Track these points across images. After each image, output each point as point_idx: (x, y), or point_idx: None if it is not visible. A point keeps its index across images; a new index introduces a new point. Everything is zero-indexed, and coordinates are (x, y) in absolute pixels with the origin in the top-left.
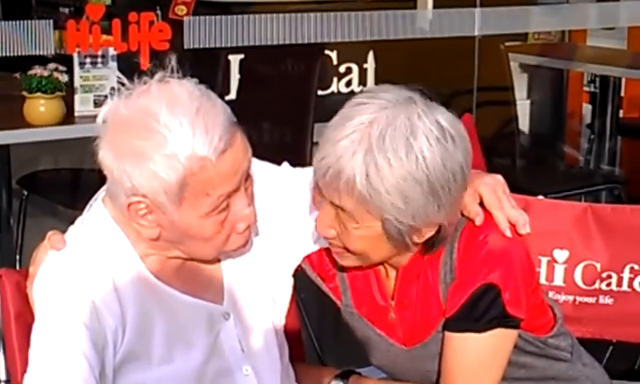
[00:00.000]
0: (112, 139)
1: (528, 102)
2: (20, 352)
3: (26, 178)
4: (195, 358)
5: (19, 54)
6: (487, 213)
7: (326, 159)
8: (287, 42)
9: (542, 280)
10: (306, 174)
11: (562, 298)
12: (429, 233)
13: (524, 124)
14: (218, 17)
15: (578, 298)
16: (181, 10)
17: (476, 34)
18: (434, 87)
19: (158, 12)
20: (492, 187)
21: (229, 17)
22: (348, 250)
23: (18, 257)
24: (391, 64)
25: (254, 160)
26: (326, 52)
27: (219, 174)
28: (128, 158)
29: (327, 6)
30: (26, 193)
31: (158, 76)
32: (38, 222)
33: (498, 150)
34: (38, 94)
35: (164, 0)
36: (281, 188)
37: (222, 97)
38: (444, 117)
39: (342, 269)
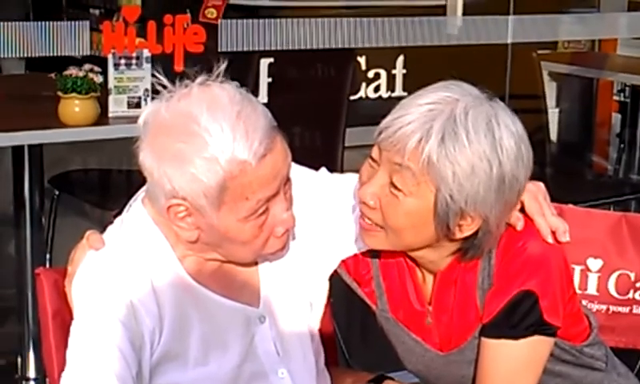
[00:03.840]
0: (153, 141)
1: (557, 110)
2: (57, 350)
3: (58, 178)
4: (230, 361)
5: (54, 54)
6: (527, 219)
7: (403, 118)
8: (319, 46)
9: (576, 289)
10: (343, 180)
11: (595, 306)
12: (469, 229)
13: (553, 132)
14: (251, 20)
15: (612, 308)
16: (211, 12)
17: (509, 41)
18: None
19: (188, 15)
20: (534, 194)
21: (262, 20)
22: (383, 227)
23: (48, 256)
24: (420, 70)
25: (293, 165)
26: None
27: (259, 178)
28: (168, 161)
29: (357, 11)
30: (57, 192)
31: (199, 79)
32: (68, 221)
33: None
34: (73, 94)
35: (194, 3)
36: (319, 193)
37: None
38: (521, 128)
39: (379, 273)
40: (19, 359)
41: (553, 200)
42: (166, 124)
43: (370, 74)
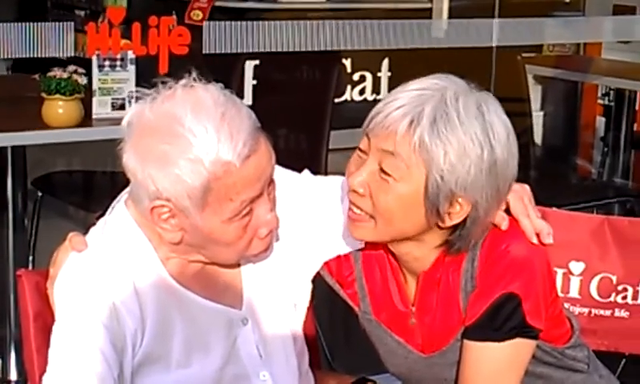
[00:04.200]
0: (137, 143)
1: (542, 113)
2: (38, 352)
3: (41, 179)
4: (212, 363)
5: (38, 55)
6: (511, 220)
7: (393, 102)
8: (304, 49)
9: (558, 292)
10: (327, 182)
11: (577, 309)
12: (459, 216)
13: (537, 136)
14: (236, 22)
15: (594, 311)
16: (196, 14)
17: (494, 44)
18: None
19: (174, 16)
20: (519, 195)
21: (248, 23)
22: (372, 215)
23: (31, 257)
24: (405, 73)
25: (276, 167)
26: None
27: (243, 180)
28: (152, 162)
29: (342, 13)
30: (40, 194)
31: (183, 81)
32: (51, 223)
33: None
34: (57, 95)
35: (180, 4)
36: (302, 195)
37: None
38: (508, 120)
39: (362, 275)
40: (0, 362)
41: (537, 203)
42: (150, 125)
43: (356, 77)
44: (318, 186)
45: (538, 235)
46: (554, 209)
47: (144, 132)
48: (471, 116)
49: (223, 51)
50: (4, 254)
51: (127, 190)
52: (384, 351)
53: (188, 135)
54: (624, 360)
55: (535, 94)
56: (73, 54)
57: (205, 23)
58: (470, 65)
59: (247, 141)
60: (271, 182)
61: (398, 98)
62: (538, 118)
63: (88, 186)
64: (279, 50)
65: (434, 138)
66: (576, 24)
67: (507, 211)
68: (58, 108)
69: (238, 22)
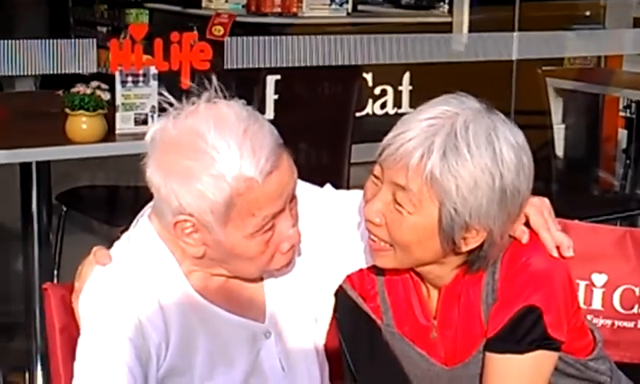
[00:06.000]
0: (160, 158)
1: (563, 126)
2: (64, 365)
3: (65, 194)
4: (236, 376)
5: (61, 72)
6: (531, 233)
7: (404, 135)
8: (325, 63)
9: (581, 304)
10: (348, 196)
11: (600, 321)
12: (474, 241)
13: (559, 148)
14: (258, 37)
15: (617, 322)
16: (218, 30)
17: (514, 57)
18: None
19: (195, 32)
20: (539, 208)
21: (269, 38)
22: (391, 244)
23: (56, 271)
24: (426, 87)
25: (298, 181)
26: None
27: (265, 195)
28: (176, 178)
29: (363, 28)
30: (65, 209)
31: (205, 96)
32: (76, 237)
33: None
34: (81, 111)
35: (201, 20)
36: (324, 209)
37: None
38: (521, 138)
39: (384, 289)
40: (27, 375)
41: (559, 216)
42: (174, 141)
43: (377, 91)
44: (339, 200)
45: (558, 248)
46: (576, 221)
47: (167, 147)
48: (481, 146)
49: (245, 66)
50: (29, 268)
51: (151, 204)
52: (407, 364)
53: (211, 151)
54: None
55: (556, 106)
56: (95, 70)
57: (226, 39)
58: (490, 78)
59: (269, 157)
60: (293, 197)
61: (409, 128)
62: (559, 131)
63: (112, 200)
64: (301, 64)
65: (445, 172)
66: (596, 37)
67: (527, 224)
68: (82, 123)
69: (260, 37)
